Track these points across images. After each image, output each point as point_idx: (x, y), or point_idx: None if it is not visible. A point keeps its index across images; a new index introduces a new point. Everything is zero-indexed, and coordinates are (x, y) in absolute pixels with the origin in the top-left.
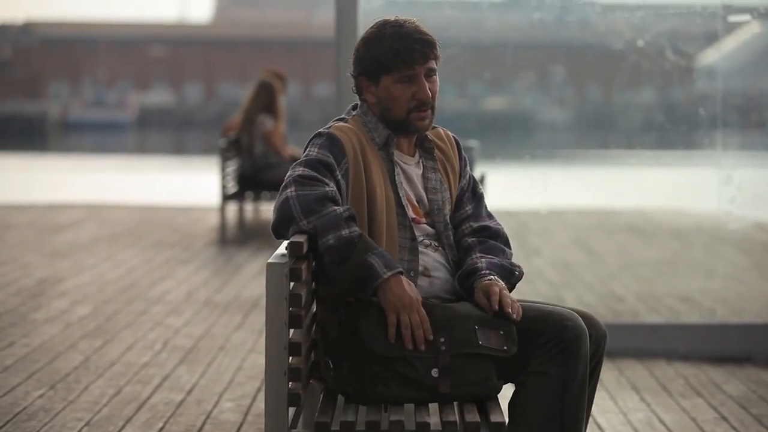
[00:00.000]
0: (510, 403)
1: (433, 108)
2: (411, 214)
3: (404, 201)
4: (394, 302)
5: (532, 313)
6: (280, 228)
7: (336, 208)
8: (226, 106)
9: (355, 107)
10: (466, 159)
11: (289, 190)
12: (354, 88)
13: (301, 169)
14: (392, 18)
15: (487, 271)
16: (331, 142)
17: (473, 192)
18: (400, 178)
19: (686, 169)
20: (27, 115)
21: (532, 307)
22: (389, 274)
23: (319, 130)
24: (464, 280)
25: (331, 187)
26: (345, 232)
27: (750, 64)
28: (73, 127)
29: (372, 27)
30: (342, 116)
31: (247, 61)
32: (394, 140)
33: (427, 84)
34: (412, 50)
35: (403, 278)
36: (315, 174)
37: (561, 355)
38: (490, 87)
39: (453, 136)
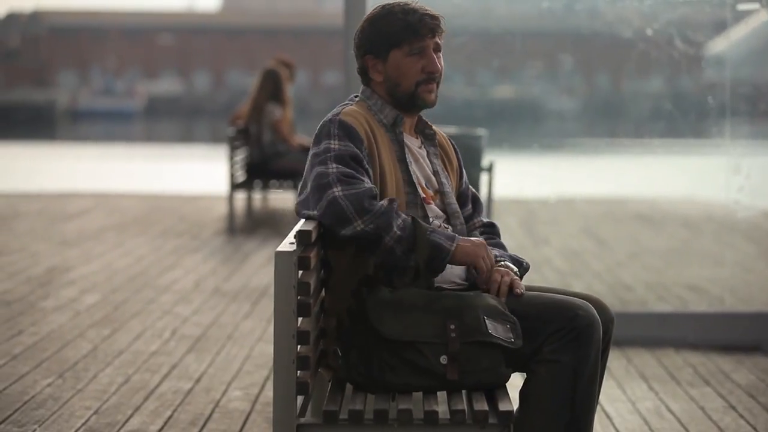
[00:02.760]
0: (521, 392)
1: (438, 84)
2: (421, 193)
3: (414, 180)
4: (474, 256)
5: (543, 300)
6: (332, 228)
7: (383, 203)
8: (235, 94)
9: (351, 99)
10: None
11: (334, 189)
12: (358, 69)
13: (335, 166)
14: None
15: (501, 258)
16: (345, 131)
17: (472, 194)
18: (409, 157)
19: (695, 158)
20: (35, 104)
21: (543, 295)
22: (454, 245)
23: (329, 118)
24: None
25: (369, 183)
26: (400, 221)
27: (759, 53)
28: (81, 116)
29: (375, 9)
30: (346, 102)
31: (255, 49)
32: (402, 120)
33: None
34: (422, 22)
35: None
36: (351, 171)
37: (573, 343)
38: (498, 75)
39: (449, 139)
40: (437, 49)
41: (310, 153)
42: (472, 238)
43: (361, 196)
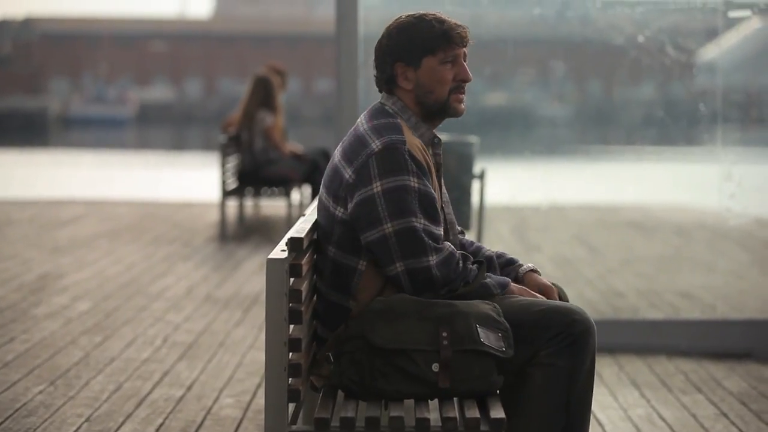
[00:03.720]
0: (515, 395)
1: (465, 93)
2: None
3: (443, 202)
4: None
5: (540, 307)
6: (420, 292)
7: (459, 264)
8: (227, 101)
9: (381, 110)
10: None
11: (430, 258)
12: (382, 79)
13: (423, 222)
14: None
15: (526, 264)
16: (418, 165)
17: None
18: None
19: (687, 165)
20: (27, 111)
21: (538, 301)
22: (502, 291)
23: (391, 143)
24: (503, 267)
25: (442, 230)
26: (469, 277)
27: (750, 60)
28: (73, 123)
29: (402, 19)
30: (388, 115)
31: (247, 56)
32: (440, 141)
33: None
34: (455, 31)
35: (516, 288)
36: (435, 228)
37: (569, 348)
38: (490, 82)
39: None
40: (465, 58)
41: (381, 181)
42: (528, 288)
43: (450, 264)
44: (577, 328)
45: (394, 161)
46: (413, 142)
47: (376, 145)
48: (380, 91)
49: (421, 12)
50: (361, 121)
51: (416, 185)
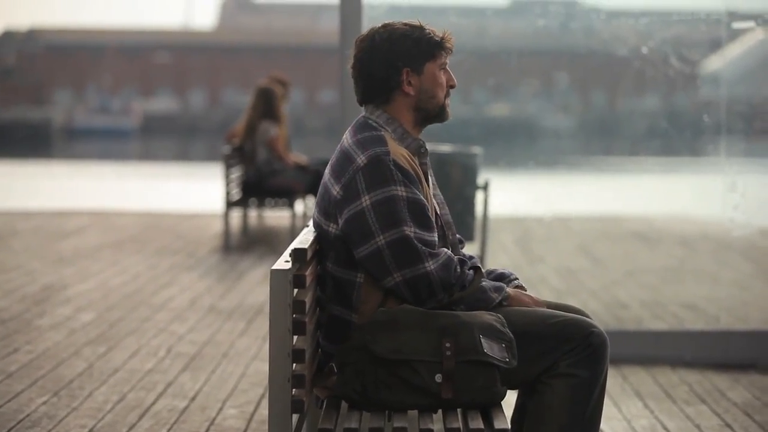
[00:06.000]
0: (533, 405)
1: None
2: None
3: (436, 207)
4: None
5: (557, 318)
6: (421, 300)
7: (457, 269)
8: (231, 112)
9: (365, 125)
10: None
11: (426, 264)
12: (384, 87)
13: (413, 230)
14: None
15: (514, 277)
16: (404, 174)
17: None
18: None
19: (690, 176)
20: (31, 122)
21: (557, 313)
22: (499, 297)
23: (376, 155)
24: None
25: (436, 236)
26: (465, 281)
27: (754, 71)
28: (77, 134)
29: (394, 25)
30: (372, 130)
31: (251, 67)
32: (426, 151)
33: None
34: (449, 39)
35: (512, 291)
36: (427, 235)
37: (588, 359)
38: (494, 93)
39: None
40: None
41: (369, 194)
42: (523, 299)
43: (449, 268)
44: (595, 341)
45: (379, 173)
46: (398, 152)
47: (361, 159)
48: (361, 105)
49: (406, 21)
50: (346, 137)
51: (404, 194)
